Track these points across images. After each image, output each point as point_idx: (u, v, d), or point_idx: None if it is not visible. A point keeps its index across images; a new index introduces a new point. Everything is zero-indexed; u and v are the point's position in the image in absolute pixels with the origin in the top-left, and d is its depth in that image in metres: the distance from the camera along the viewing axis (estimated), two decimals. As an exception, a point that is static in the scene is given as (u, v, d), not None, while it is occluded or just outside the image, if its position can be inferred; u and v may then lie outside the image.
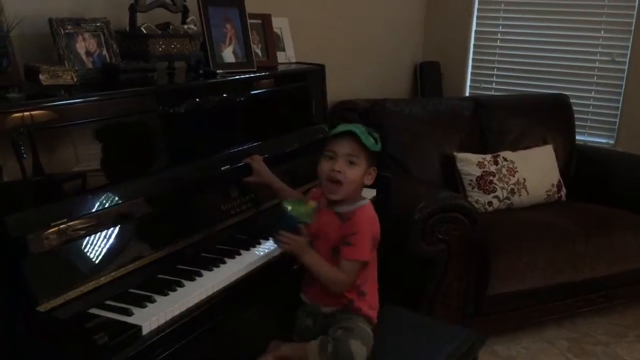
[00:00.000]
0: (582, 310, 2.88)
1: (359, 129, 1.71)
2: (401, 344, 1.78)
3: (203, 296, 1.59)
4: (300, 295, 1.87)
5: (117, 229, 1.59)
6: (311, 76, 2.61)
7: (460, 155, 3.04)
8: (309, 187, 2.29)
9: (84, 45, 1.85)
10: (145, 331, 1.41)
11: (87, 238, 1.51)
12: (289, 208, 1.68)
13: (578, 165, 3.37)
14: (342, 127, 1.73)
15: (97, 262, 1.51)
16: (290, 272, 1.94)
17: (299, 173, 2.32)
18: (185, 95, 1.94)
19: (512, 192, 2.98)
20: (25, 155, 1.45)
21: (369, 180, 1.77)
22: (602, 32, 3.53)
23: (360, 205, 1.78)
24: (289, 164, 2.28)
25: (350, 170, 1.72)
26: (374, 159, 1.76)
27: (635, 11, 3.39)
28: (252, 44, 2.34)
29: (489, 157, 3.04)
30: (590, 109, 3.64)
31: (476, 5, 3.88)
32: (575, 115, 3.46)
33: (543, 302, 2.76)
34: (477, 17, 3.90)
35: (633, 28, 3.41)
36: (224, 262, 1.75)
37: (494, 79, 3.94)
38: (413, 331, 1.87)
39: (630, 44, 3.44)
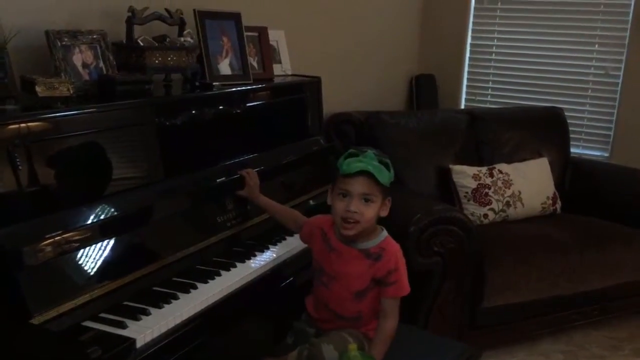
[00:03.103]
0: (577, 323, 2.87)
1: (372, 164, 1.61)
2: (397, 357, 1.77)
3: (198, 309, 1.59)
4: (309, 312, 1.85)
5: (112, 241, 1.58)
6: (307, 88, 2.62)
7: (455, 168, 3.05)
8: (304, 199, 2.30)
9: (81, 57, 1.85)
10: (139, 344, 1.41)
11: (82, 250, 1.51)
12: None
13: (573, 178, 3.37)
14: (355, 166, 1.61)
15: (91, 274, 1.51)
16: (285, 285, 1.94)
17: (295, 185, 2.33)
18: (181, 107, 1.95)
19: (508, 204, 2.99)
20: (20, 167, 1.45)
21: (384, 212, 1.70)
22: (596, 45, 3.56)
23: (384, 237, 1.73)
24: (285, 175, 2.28)
25: (366, 208, 1.64)
26: (388, 191, 1.68)
27: (629, 25, 3.42)
28: (248, 57, 2.35)
29: (484, 169, 3.04)
30: (585, 122, 3.66)
31: (471, 19, 3.90)
32: (570, 128, 3.47)
33: (538, 315, 2.76)
34: (472, 31, 3.92)
35: (627, 42, 3.44)
36: (219, 275, 1.75)
37: (489, 91, 3.96)
38: (409, 344, 1.86)
39: (624, 58, 3.46)
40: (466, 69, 3.99)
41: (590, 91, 3.62)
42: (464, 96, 4.03)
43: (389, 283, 1.70)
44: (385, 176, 1.65)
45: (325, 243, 1.77)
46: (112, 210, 1.62)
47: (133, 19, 1.99)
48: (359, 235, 1.69)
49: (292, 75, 2.71)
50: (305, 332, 1.82)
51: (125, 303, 1.55)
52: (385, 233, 1.74)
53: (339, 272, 1.72)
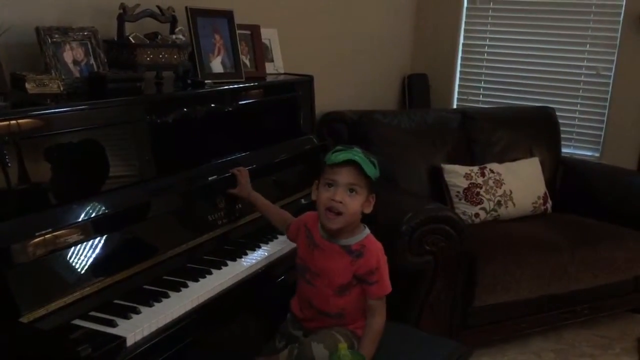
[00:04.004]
0: (568, 322, 2.89)
1: (359, 156, 1.62)
2: (388, 355, 1.77)
3: (188, 307, 1.59)
4: (294, 313, 1.84)
5: (102, 239, 1.57)
6: (299, 87, 2.62)
7: (447, 167, 3.05)
8: (296, 198, 2.30)
9: (71, 54, 1.84)
10: (129, 342, 1.40)
11: (72, 248, 1.50)
12: None
13: (564, 177, 3.39)
14: (342, 156, 1.63)
15: (82, 272, 1.50)
16: (277, 283, 1.93)
17: (287, 184, 2.32)
18: (173, 105, 1.94)
19: (499, 204, 3.00)
20: (10, 164, 1.44)
21: (368, 209, 1.69)
22: (588, 46, 3.58)
23: (365, 234, 1.72)
24: (276, 174, 2.28)
25: (351, 200, 1.64)
26: (373, 186, 1.68)
27: (620, 25, 3.44)
28: (240, 55, 2.35)
29: (475, 168, 3.05)
30: (576, 122, 3.68)
31: (464, 19, 3.91)
32: (561, 128, 3.49)
33: (529, 313, 2.77)
34: (465, 31, 3.93)
35: (618, 42, 3.46)
36: (210, 273, 1.75)
37: (481, 91, 3.97)
38: (400, 343, 1.86)
39: (615, 58, 3.48)
40: (458, 68, 4.00)
41: (581, 91, 3.64)
42: (456, 96, 4.04)
43: (371, 282, 1.70)
44: (372, 169, 1.65)
45: (308, 239, 1.77)
46: (103, 208, 1.61)
47: (124, 16, 1.98)
48: (341, 230, 1.69)
49: (284, 73, 2.70)
50: (293, 336, 1.82)
51: (116, 301, 1.54)
52: (367, 231, 1.74)
53: (322, 268, 1.72)
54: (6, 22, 1.66)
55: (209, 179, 1.97)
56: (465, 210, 2.95)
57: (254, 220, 2.06)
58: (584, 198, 3.25)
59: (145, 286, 1.63)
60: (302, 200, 2.32)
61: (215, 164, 2.05)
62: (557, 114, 3.49)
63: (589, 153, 3.66)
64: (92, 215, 1.58)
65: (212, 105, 2.10)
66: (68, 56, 1.83)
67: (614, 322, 3.03)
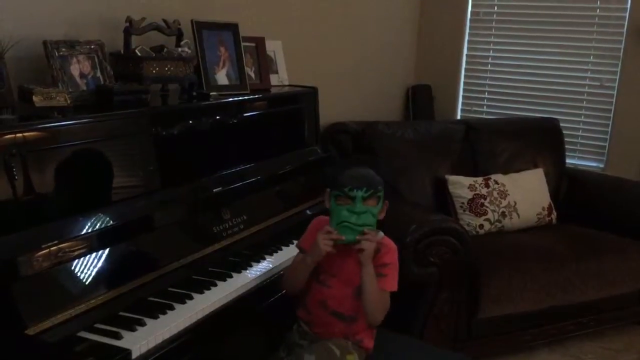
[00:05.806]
0: (573, 334, 2.88)
1: (367, 217, 1.67)
2: (392, 368, 1.77)
3: (194, 319, 1.59)
4: (301, 324, 1.83)
5: (108, 251, 1.58)
6: (304, 98, 2.63)
7: (451, 178, 3.06)
8: (301, 209, 2.30)
9: (78, 67, 1.86)
10: (134, 355, 1.40)
11: (78, 260, 1.50)
12: None
13: (568, 188, 3.39)
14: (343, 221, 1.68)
15: (87, 284, 1.50)
16: (281, 295, 1.94)
17: (292, 195, 2.33)
18: (178, 117, 1.95)
19: (503, 215, 3.00)
20: (17, 177, 1.45)
21: (381, 215, 1.76)
22: (592, 57, 3.58)
23: (381, 237, 1.76)
24: (281, 185, 2.29)
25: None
26: (383, 202, 1.75)
27: (624, 37, 3.44)
28: (245, 67, 2.36)
29: (480, 180, 3.05)
30: (580, 133, 3.68)
31: (467, 30, 3.93)
32: (565, 139, 3.49)
33: (534, 325, 2.76)
34: (469, 42, 3.94)
35: (622, 54, 3.46)
36: (215, 285, 1.75)
37: (485, 102, 3.98)
38: (404, 355, 1.86)
39: (618, 69, 3.49)
40: (462, 79, 4.00)
41: (585, 102, 3.64)
42: (460, 107, 4.04)
43: (379, 274, 1.72)
44: (377, 216, 1.72)
45: None
46: (108, 220, 1.62)
47: (130, 29, 2.00)
48: None
49: (289, 85, 2.72)
50: (299, 345, 1.81)
51: (121, 313, 1.54)
52: (382, 234, 1.78)
53: (341, 268, 1.74)
54: (14, 36, 1.68)
55: (214, 190, 1.98)
56: (469, 221, 2.95)
57: (258, 232, 2.06)
58: (588, 209, 3.25)
59: (150, 298, 1.63)
60: (308, 212, 2.32)
61: (220, 175, 2.05)
62: (561, 125, 3.49)
63: (594, 164, 3.66)
64: (98, 227, 1.59)
65: (217, 117, 2.11)
66: (75, 69, 1.85)
67: (618, 334, 3.02)
